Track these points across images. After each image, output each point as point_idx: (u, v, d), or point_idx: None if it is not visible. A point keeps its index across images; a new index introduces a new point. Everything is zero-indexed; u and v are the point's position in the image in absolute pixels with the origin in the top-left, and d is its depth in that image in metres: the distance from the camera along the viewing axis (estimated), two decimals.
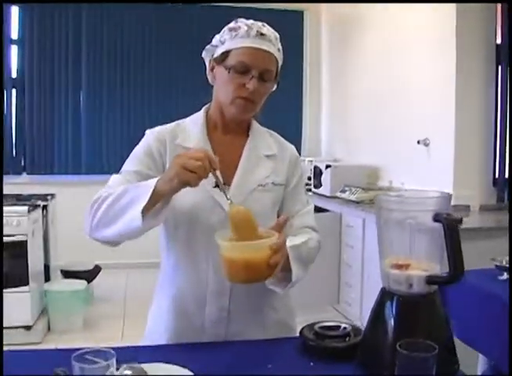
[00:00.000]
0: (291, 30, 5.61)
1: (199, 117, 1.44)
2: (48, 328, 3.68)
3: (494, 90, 3.47)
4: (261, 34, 1.33)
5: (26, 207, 3.38)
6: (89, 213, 1.23)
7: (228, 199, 1.14)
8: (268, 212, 1.36)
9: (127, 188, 1.19)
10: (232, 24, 1.37)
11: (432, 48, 3.65)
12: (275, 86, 1.41)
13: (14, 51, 5.09)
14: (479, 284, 1.80)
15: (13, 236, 3.31)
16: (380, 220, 0.94)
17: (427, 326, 0.89)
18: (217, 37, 1.38)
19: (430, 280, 0.90)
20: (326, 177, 4.51)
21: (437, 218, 0.87)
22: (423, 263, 0.93)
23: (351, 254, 3.84)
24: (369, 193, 3.89)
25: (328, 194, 4.41)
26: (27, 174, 5.24)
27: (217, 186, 1.31)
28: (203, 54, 1.43)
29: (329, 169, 4.47)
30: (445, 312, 0.93)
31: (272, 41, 1.36)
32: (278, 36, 1.40)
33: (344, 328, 1.08)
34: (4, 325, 2.89)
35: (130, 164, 1.35)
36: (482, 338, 1.76)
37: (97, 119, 5.31)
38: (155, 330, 1.39)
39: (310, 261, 1.38)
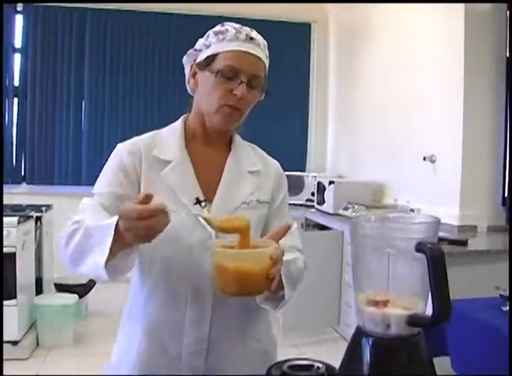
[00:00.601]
0: (298, 43, 5.54)
1: (176, 127, 1.31)
2: (37, 343, 3.56)
3: (504, 106, 3.33)
4: (251, 38, 1.23)
5: (16, 219, 3.28)
6: (62, 249, 1.12)
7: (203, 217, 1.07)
8: (252, 232, 1.23)
9: (89, 230, 1.06)
10: (218, 27, 1.26)
11: (440, 62, 3.53)
12: (262, 96, 1.29)
13: (17, 59, 5.05)
14: (481, 315, 1.65)
15: (2, 247, 3.20)
16: (356, 247, 0.82)
17: (407, 373, 0.76)
18: (201, 41, 1.27)
19: (412, 320, 0.76)
20: (329, 193, 4.37)
21: (419, 247, 0.74)
22: (406, 299, 0.79)
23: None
24: (372, 211, 3.75)
25: (331, 211, 4.27)
26: (27, 184, 5.17)
27: (198, 202, 1.21)
28: (184, 60, 1.32)
29: (332, 185, 4.34)
30: (430, 357, 0.79)
31: (260, 46, 1.26)
32: (266, 43, 1.29)
33: (318, 368, 0.94)
34: None
35: (102, 185, 1.22)
36: (484, 374, 1.61)
37: (99, 129, 5.24)
38: (125, 361, 1.25)
39: (298, 281, 1.25)
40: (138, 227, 0.91)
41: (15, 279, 3.23)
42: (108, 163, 1.26)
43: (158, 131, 1.32)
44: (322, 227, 4.39)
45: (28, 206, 3.96)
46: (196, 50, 1.28)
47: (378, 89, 4.47)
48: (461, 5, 3.27)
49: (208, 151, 1.30)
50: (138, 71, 5.25)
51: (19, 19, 5.03)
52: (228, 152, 1.32)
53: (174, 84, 5.20)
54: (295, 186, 5.08)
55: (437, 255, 0.72)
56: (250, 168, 1.32)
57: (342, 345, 3.70)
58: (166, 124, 1.34)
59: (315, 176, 4.94)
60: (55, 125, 5.17)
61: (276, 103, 5.48)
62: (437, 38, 3.56)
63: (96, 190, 1.22)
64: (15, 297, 3.26)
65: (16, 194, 4.82)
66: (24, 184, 5.16)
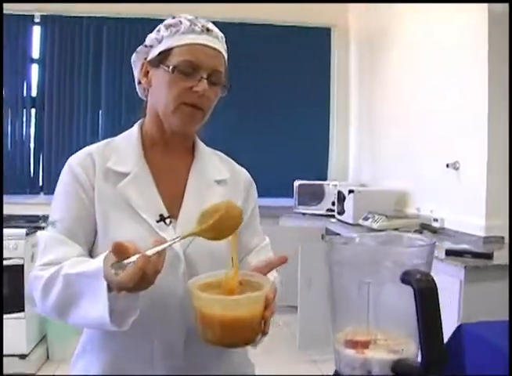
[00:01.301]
0: (318, 48, 5.38)
1: (132, 134, 1.18)
2: (47, 356, 3.49)
3: None
4: (208, 30, 1.11)
5: (24, 230, 3.22)
6: (40, 302, 1.01)
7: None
8: (223, 249, 1.07)
9: (70, 280, 0.95)
10: (169, 20, 1.13)
11: (463, 67, 3.34)
12: (224, 92, 1.17)
13: (35, 70, 5.04)
14: (503, 342, 1.48)
15: (10, 259, 3.15)
16: (331, 275, 0.68)
17: None
18: (151, 35, 1.15)
19: (397, 367, 0.62)
20: (348, 203, 4.21)
21: (406, 278, 0.60)
22: (392, 339, 0.65)
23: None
24: (393, 222, 3.57)
25: (351, 222, 4.10)
26: (44, 194, 5.13)
27: (161, 219, 1.08)
28: (133, 58, 1.19)
29: (351, 194, 4.17)
30: None
31: (218, 39, 1.14)
32: (223, 35, 1.16)
33: None
34: None
35: (61, 210, 1.09)
36: None
37: None
38: None
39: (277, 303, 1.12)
40: (143, 285, 0.84)
41: (23, 291, 3.17)
42: (61, 181, 1.12)
43: (112, 139, 1.19)
44: None
45: (45, 217, 3.91)
46: (146, 46, 1.15)
47: (401, 95, 4.29)
48: (484, 7, 3.08)
49: (169, 160, 1.16)
50: None
51: (36, 30, 5.02)
52: (192, 160, 1.19)
53: None
54: (315, 196, 4.93)
55: (426, 289, 0.58)
56: (217, 177, 1.19)
57: None
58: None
59: (336, 185, 4.77)
60: (73, 135, 5.13)
61: (296, 110, 5.36)
62: (461, 43, 3.37)
63: (55, 217, 1.08)
64: (23, 309, 3.19)
65: (34, 205, 4.79)
66: (42, 195, 5.13)
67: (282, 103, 5.33)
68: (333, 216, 4.56)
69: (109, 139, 1.18)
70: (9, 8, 4.70)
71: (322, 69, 5.40)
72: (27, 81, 5.00)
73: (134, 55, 1.19)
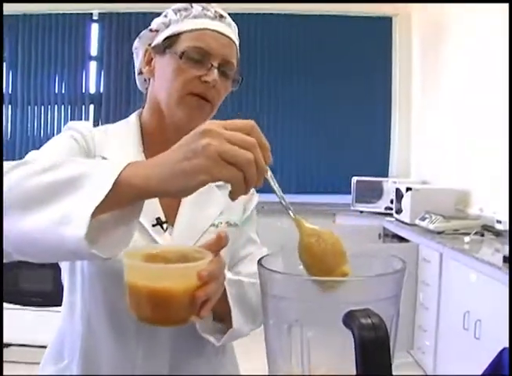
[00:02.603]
0: (378, 39, 5.11)
1: (131, 125, 1.06)
2: None
3: None
4: (221, 16, 0.99)
5: None
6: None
7: (293, 216, 0.66)
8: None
9: (66, 163, 0.67)
10: (178, 5, 1.01)
11: None
12: (235, 87, 1.03)
13: (93, 67, 5.14)
14: None
15: None
16: (264, 312, 0.54)
17: None
18: (158, 20, 1.03)
19: None
20: (406, 201, 3.95)
21: (346, 319, 0.45)
22: None
23: (428, 293, 3.26)
24: (451, 223, 3.30)
25: (408, 221, 3.85)
26: None
27: (158, 224, 0.98)
28: (135, 44, 1.07)
29: (409, 192, 3.92)
30: None
31: (231, 27, 1.01)
32: (236, 26, 1.03)
33: None
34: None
35: (52, 154, 0.92)
36: None
37: None
38: None
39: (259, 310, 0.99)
40: (237, 155, 0.60)
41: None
42: (61, 137, 0.99)
43: (106, 127, 1.07)
44: (401, 239, 3.99)
45: None
46: (151, 31, 1.03)
47: (466, 88, 3.96)
48: None
49: None
50: None
51: (94, 28, 5.11)
52: None
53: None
54: (373, 193, 4.70)
55: (370, 340, 0.43)
56: (219, 182, 1.07)
57: (416, 371, 3.31)
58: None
59: (395, 182, 4.51)
60: None
61: (356, 104, 5.13)
62: None
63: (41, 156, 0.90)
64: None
65: None
66: None
67: (341, 96, 5.14)
68: (391, 215, 4.32)
69: (105, 126, 1.07)
70: (67, 7, 4.82)
71: (383, 62, 5.13)
72: (86, 78, 5.11)
73: (136, 41, 1.08)
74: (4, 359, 2.88)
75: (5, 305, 3.17)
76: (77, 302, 0.99)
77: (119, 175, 0.62)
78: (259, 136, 0.63)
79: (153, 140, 1.04)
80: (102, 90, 5.12)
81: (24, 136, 5.06)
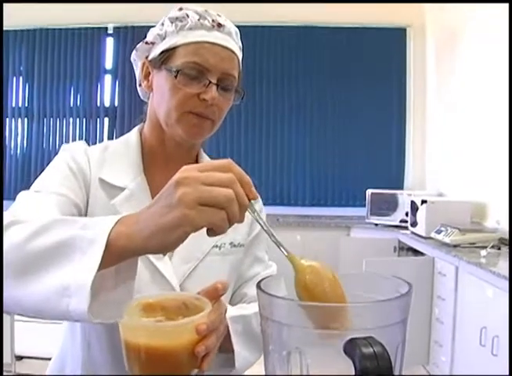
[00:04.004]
0: (392, 50, 5.08)
1: (131, 141, 1.03)
2: None
3: None
4: (219, 25, 0.94)
5: None
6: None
7: (286, 254, 0.64)
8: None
9: (49, 227, 0.63)
10: (175, 12, 0.97)
11: None
12: (238, 100, 0.99)
13: (108, 80, 5.18)
14: None
15: None
16: (264, 338, 0.52)
17: None
18: (153, 31, 1.00)
19: None
20: (421, 214, 3.90)
21: (347, 348, 0.43)
22: None
23: (443, 307, 3.20)
24: (467, 236, 3.24)
25: (423, 234, 3.80)
26: None
27: None
28: (133, 56, 1.05)
29: (424, 205, 3.86)
30: None
31: (232, 35, 0.96)
32: (238, 31, 0.99)
33: None
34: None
35: (52, 182, 0.92)
36: None
37: None
38: None
39: None
40: (216, 196, 0.58)
41: None
42: (57, 161, 0.98)
43: (106, 144, 1.04)
44: (417, 252, 3.93)
45: None
46: (147, 43, 1.00)
47: (481, 98, 3.92)
48: None
49: (170, 176, 1.03)
50: None
51: (109, 42, 5.16)
52: None
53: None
54: (388, 205, 4.65)
55: (371, 368, 0.40)
56: None
57: None
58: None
59: (410, 194, 4.46)
60: None
61: (370, 115, 5.10)
62: None
63: (40, 187, 0.91)
64: None
65: None
66: None
67: (354, 108, 5.11)
68: (407, 228, 4.26)
69: (104, 144, 1.05)
70: (82, 21, 4.88)
71: (397, 73, 5.10)
72: (101, 91, 5.15)
73: (133, 53, 1.05)
74: (17, 372, 2.88)
75: (16, 317, 3.17)
76: (77, 330, 0.98)
77: (108, 236, 0.59)
78: (238, 172, 0.60)
79: (154, 158, 1.02)
80: (116, 103, 5.15)
81: (40, 149, 5.11)
